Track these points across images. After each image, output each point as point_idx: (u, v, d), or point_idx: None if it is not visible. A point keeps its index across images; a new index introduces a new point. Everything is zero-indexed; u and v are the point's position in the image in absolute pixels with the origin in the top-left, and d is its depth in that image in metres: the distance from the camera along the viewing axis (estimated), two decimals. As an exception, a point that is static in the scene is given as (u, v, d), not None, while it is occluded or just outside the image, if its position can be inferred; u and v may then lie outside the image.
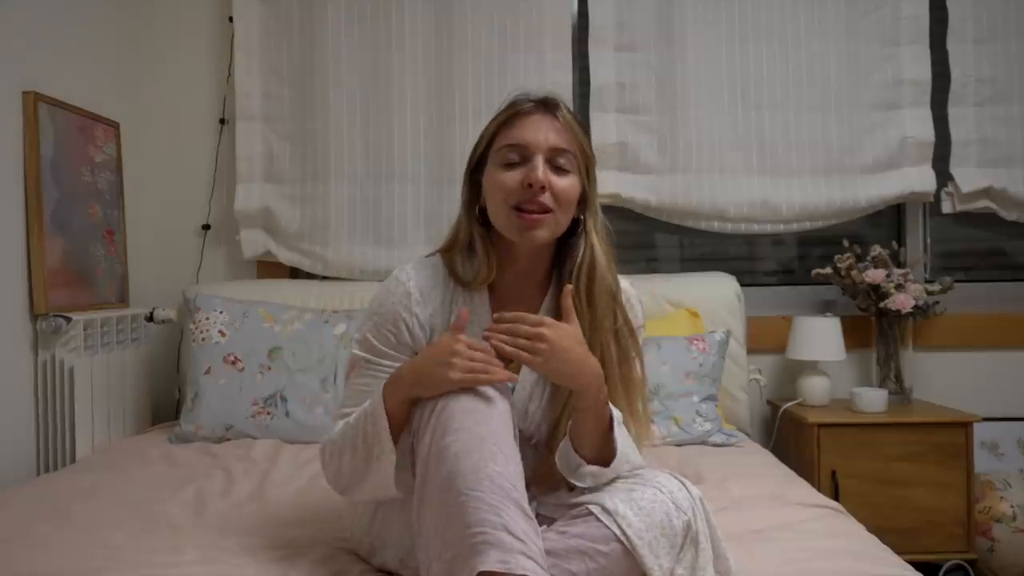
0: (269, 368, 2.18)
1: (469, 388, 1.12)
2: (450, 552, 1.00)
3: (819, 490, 1.86)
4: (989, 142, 2.56)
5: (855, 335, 2.56)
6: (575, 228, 1.31)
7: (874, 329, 2.55)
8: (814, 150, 2.55)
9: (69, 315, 2.04)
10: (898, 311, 2.41)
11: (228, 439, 2.12)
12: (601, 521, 1.11)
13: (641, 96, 2.57)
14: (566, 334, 1.17)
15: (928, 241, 2.71)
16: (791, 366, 2.58)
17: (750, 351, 2.48)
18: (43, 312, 2.03)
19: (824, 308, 2.65)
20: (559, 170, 1.25)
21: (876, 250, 2.49)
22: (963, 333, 2.61)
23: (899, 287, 2.43)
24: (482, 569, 0.96)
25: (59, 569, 1.24)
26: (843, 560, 1.29)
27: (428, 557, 1.04)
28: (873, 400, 2.34)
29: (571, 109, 1.31)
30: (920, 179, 2.55)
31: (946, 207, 2.60)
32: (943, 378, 2.61)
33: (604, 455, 1.20)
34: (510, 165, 1.25)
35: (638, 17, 2.57)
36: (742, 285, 2.48)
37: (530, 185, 1.22)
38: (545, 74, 2.54)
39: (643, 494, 1.13)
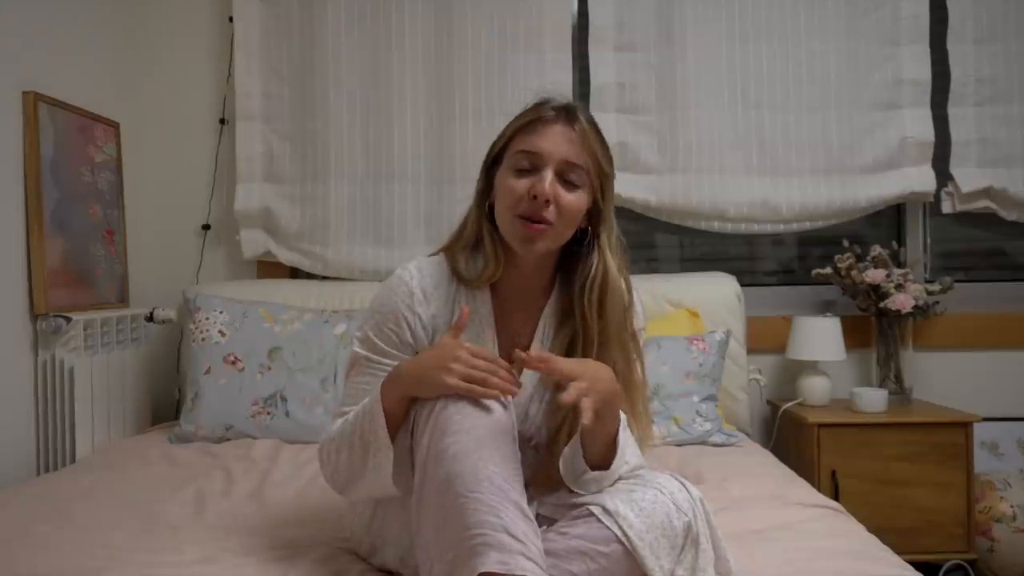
0: (269, 368, 2.18)
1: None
2: (450, 553, 1.00)
3: (819, 490, 1.86)
4: (989, 142, 2.55)
5: (855, 335, 2.56)
6: (582, 237, 1.30)
7: (874, 329, 2.55)
8: (814, 150, 2.55)
9: (69, 315, 2.04)
10: (898, 311, 2.41)
11: (228, 439, 2.12)
12: (602, 522, 1.11)
13: (641, 96, 2.57)
14: (595, 375, 1.14)
15: (928, 241, 2.71)
16: (791, 366, 2.58)
17: (750, 351, 2.48)
18: (43, 312, 2.03)
19: (824, 308, 2.65)
20: (568, 184, 1.24)
21: (876, 250, 2.49)
22: (963, 333, 2.61)
23: (899, 287, 2.43)
24: (482, 570, 0.96)
25: (59, 569, 1.24)
26: (843, 560, 1.29)
27: (428, 559, 1.04)
28: (873, 400, 2.33)
29: (593, 120, 1.29)
30: (920, 179, 2.55)
31: (946, 207, 2.60)
32: (943, 378, 2.61)
33: (607, 459, 1.20)
34: (521, 171, 1.24)
35: (638, 17, 2.57)
36: (742, 285, 2.48)
37: (535, 196, 1.21)
38: (545, 74, 2.54)
39: (644, 495, 1.13)
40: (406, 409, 1.16)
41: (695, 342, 2.21)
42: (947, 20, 2.56)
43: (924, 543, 2.22)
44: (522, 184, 1.23)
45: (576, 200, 1.25)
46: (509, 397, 1.14)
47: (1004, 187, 2.53)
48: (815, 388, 2.44)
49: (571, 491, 1.23)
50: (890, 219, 2.74)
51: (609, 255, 1.28)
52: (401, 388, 1.16)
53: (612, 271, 1.28)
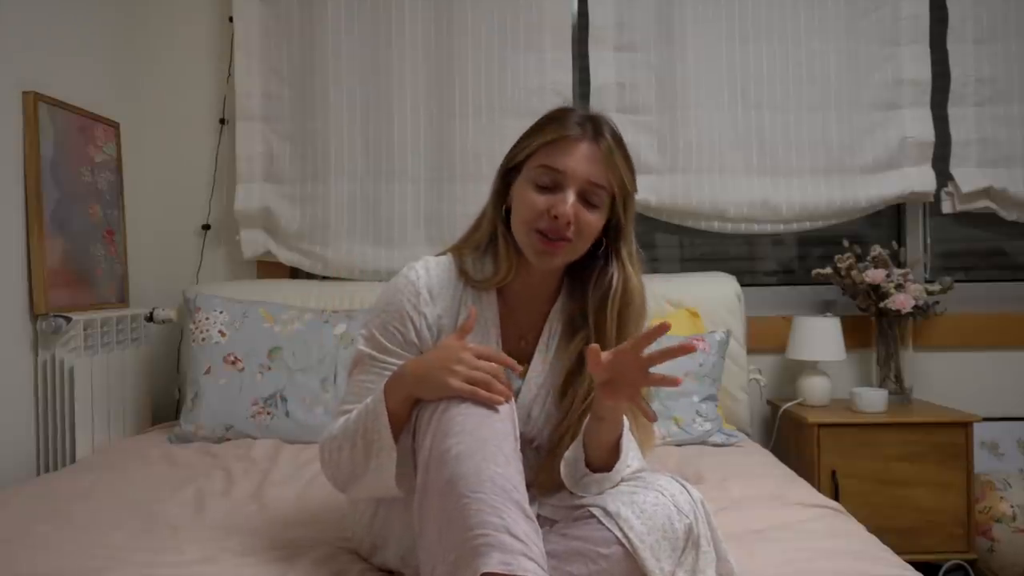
0: (269, 368, 2.18)
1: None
2: (452, 554, 1.00)
3: (819, 490, 1.86)
4: (989, 142, 2.56)
5: (855, 335, 2.56)
6: (595, 247, 1.30)
7: (874, 329, 2.55)
8: (814, 150, 2.55)
9: (69, 315, 2.04)
10: (898, 311, 2.41)
11: (228, 439, 2.12)
12: (602, 524, 1.11)
13: (641, 96, 2.57)
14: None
15: (928, 241, 2.71)
16: (791, 366, 2.58)
17: (750, 351, 2.48)
18: (43, 312, 2.03)
19: (824, 308, 2.65)
20: (589, 204, 1.24)
21: (876, 250, 2.49)
22: (963, 333, 2.61)
23: (899, 287, 2.43)
24: (484, 571, 0.96)
25: (59, 569, 1.24)
26: (843, 560, 1.29)
27: (430, 559, 1.04)
28: (873, 400, 2.33)
29: (617, 135, 1.28)
30: (920, 179, 2.55)
31: (946, 207, 2.60)
32: (943, 378, 2.61)
33: (609, 462, 1.20)
34: (542, 187, 1.23)
35: (638, 17, 2.57)
36: (742, 285, 2.48)
37: (556, 217, 1.21)
38: (545, 73, 2.55)
39: (645, 497, 1.13)
40: (409, 410, 1.16)
41: (695, 342, 2.20)
42: (947, 20, 2.56)
43: (924, 543, 2.22)
44: (542, 200, 1.22)
45: (596, 219, 1.25)
46: (513, 399, 1.15)
47: (1004, 187, 2.53)
48: (815, 388, 2.44)
49: (572, 493, 1.23)
50: (890, 219, 2.74)
51: (631, 270, 1.28)
52: (405, 388, 1.15)
53: (633, 286, 1.28)
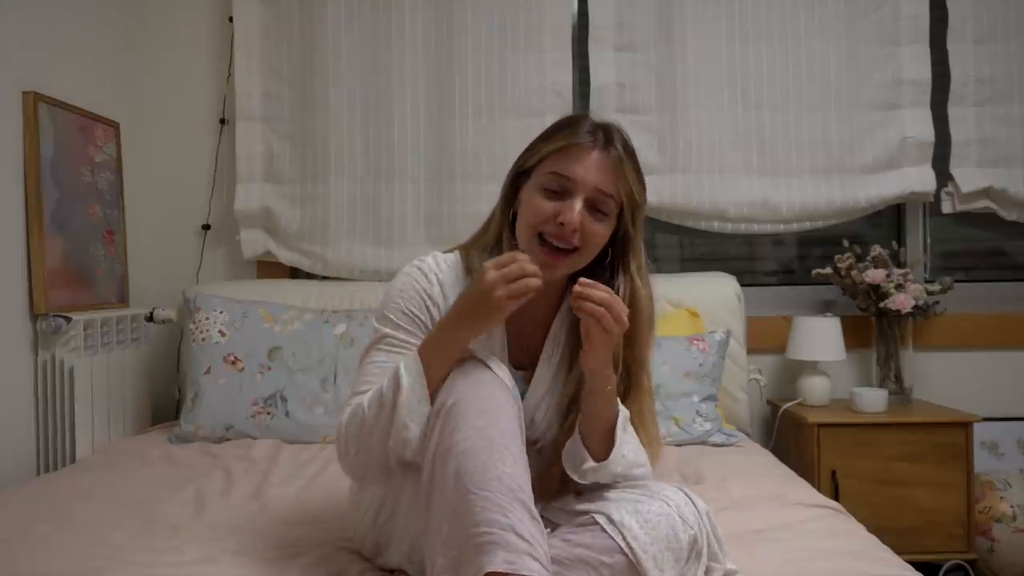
0: (269, 368, 2.18)
1: (477, 388, 1.11)
2: (456, 549, 1.00)
3: (819, 490, 1.86)
4: (989, 142, 2.56)
5: (855, 335, 2.56)
6: (602, 258, 1.30)
7: (874, 329, 2.55)
8: (814, 150, 2.55)
9: (69, 315, 2.04)
10: (898, 311, 2.41)
11: (228, 439, 2.12)
12: (606, 532, 1.11)
13: (641, 96, 2.57)
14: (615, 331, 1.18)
15: (928, 241, 2.71)
16: (791, 366, 2.58)
17: (750, 351, 2.48)
18: (43, 312, 2.03)
19: (824, 308, 2.66)
20: (596, 212, 1.23)
21: (876, 250, 2.49)
22: (963, 333, 2.61)
23: (899, 287, 2.43)
24: (489, 570, 0.96)
25: (59, 569, 1.24)
26: (843, 560, 1.29)
27: (433, 552, 1.04)
28: (873, 400, 2.33)
29: (629, 145, 1.27)
30: (920, 179, 2.55)
31: (946, 207, 2.60)
32: (943, 378, 2.61)
33: (606, 451, 1.21)
34: (551, 193, 1.23)
35: (638, 17, 2.57)
36: (742, 285, 2.48)
37: (562, 223, 1.21)
38: (545, 73, 2.55)
39: (649, 507, 1.13)
40: (438, 384, 1.15)
41: (695, 342, 2.21)
42: (947, 20, 2.56)
43: (924, 543, 2.22)
44: (550, 206, 1.22)
45: (602, 229, 1.24)
46: (519, 401, 1.15)
47: (1004, 187, 2.53)
48: (815, 388, 2.44)
49: (575, 497, 1.24)
50: (890, 219, 2.74)
51: (639, 283, 1.28)
52: (443, 345, 1.15)
53: (641, 300, 1.27)
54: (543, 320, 1.33)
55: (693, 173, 2.54)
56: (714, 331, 2.28)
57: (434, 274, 1.29)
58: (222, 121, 2.66)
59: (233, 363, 2.19)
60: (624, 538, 1.09)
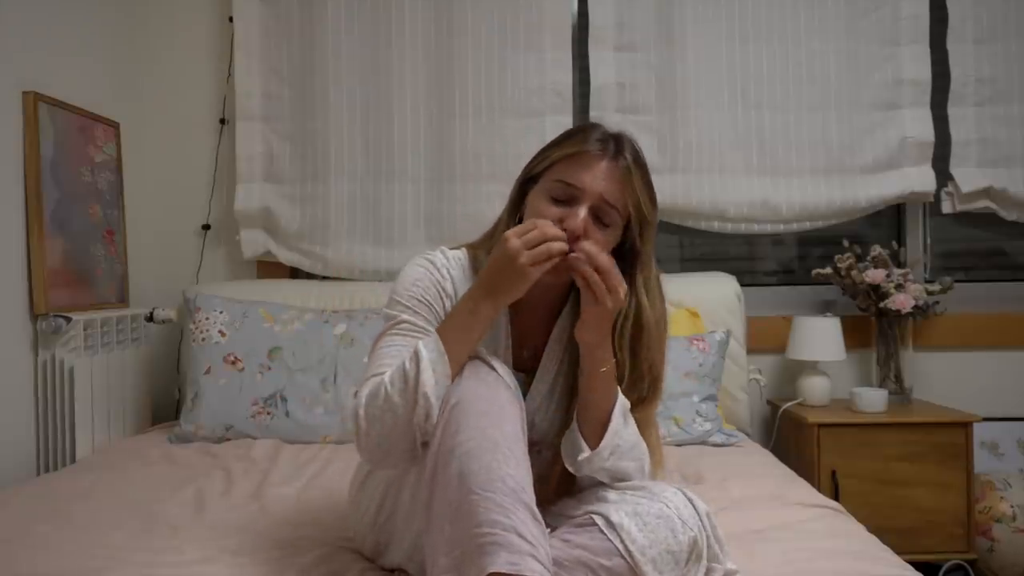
0: (269, 368, 2.18)
1: (480, 387, 1.11)
2: (458, 549, 1.00)
3: (819, 490, 1.86)
4: (989, 142, 2.55)
5: (855, 335, 2.56)
6: None
7: (874, 329, 2.55)
8: (814, 150, 2.55)
9: (69, 315, 2.04)
10: (898, 311, 2.41)
11: (228, 439, 2.12)
12: (604, 534, 1.11)
13: (641, 96, 2.57)
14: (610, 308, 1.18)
15: (928, 241, 2.71)
16: (791, 366, 2.58)
17: (750, 351, 2.48)
18: (43, 312, 2.03)
19: (824, 308, 2.66)
20: (600, 222, 1.22)
21: (876, 250, 2.49)
22: (963, 333, 2.61)
23: (899, 287, 2.43)
24: (492, 570, 0.96)
25: (59, 569, 1.24)
26: (843, 560, 1.29)
27: (434, 551, 1.04)
28: (873, 400, 2.34)
29: (639, 157, 1.26)
30: (920, 179, 2.55)
31: (946, 207, 2.60)
32: (943, 378, 2.61)
33: (602, 437, 1.20)
34: (556, 200, 1.23)
35: (638, 17, 2.57)
36: (742, 285, 2.48)
37: (565, 230, 1.19)
38: (545, 73, 2.55)
39: (649, 508, 1.13)
40: (456, 370, 1.14)
41: (695, 342, 2.21)
42: (947, 20, 2.56)
43: (924, 543, 2.22)
44: (554, 212, 1.21)
45: (604, 239, 1.23)
46: (522, 403, 1.15)
47: (1004, 187, 2.53)
48: (815, 388, 2.44)
49: (574, 500, 1.24)
50: (890, 219, 2.74)
51: (645, 298, 1.26)
52: (467, 325, 1.15)
53: (647, 315, 1.26)
54: (546, 323, 1.33)
55: (693, 173, 2.54)
56: (714, 331, 2.28)
57: (445, 268, 1.28)
58: (222, 121, 2.66)
59: (233, 363, 2.19)
60: (623, 541, 1.09)
